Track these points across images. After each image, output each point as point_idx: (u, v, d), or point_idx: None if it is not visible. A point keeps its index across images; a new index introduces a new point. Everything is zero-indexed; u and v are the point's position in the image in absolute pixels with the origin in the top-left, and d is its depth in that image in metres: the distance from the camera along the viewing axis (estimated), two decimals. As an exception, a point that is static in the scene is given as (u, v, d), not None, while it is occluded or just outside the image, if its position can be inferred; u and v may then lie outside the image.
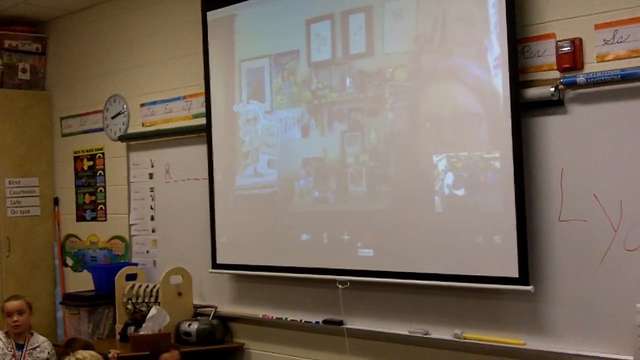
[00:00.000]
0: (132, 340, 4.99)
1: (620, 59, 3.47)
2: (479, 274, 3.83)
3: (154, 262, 5.75)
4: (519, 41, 3.73)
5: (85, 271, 6.34)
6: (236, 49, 4.96)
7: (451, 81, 3.93)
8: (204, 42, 5.14)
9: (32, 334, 4.75)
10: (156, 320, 5.00)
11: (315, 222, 4.53)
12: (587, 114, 3.57)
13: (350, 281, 4.35)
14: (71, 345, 4.49)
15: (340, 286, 4.39)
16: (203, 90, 5.26)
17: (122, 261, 5.95)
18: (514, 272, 3.69)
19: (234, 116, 4.98)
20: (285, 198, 4.69)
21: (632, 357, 3.37)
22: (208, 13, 5.10)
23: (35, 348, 4.69)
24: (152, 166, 5.76)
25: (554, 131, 3.67)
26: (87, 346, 4.45)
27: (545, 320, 3.71)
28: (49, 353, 4.73)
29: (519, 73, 3.72)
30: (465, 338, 3.97)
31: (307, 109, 4.56)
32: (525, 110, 3.70)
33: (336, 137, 4.40)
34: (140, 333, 5.00)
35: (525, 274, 3.65)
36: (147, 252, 5.81)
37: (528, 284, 3.65)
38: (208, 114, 5.14)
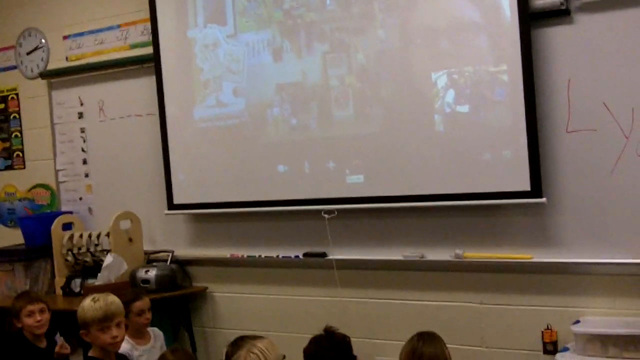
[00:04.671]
0: (88, 292, 4.54)
1: (630, -36, 3.47)
2: (485, 191, 3.77)
3: (90, 209, 5.27)
4: (519, -50, 3.64)
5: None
6: (188, -32, 4.56)
7: (450, -8, 3.80)
8: (146, -37, 4.69)
9: None
10: (112, 268, 4.61)
11: (293, 152, 4.29)
12: (594, 23, 3.55)
13: (338, 210, 4.16)
14: (22, 298, 4.05)
15: (326, 216, 4.19)
16: (142, 18, 4.89)
17: (49, 211, 5.41)
18: (525, 186, 3.65)
19: (188, 43, 4.60)
20: (256, 128, 4.40)
21: (650, 260, 3.45)
22: None
23: None
24: (82, 104, 5.25)
25: (560, 42, 3.62)
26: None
27: (555, 232, 3.71)
28: None
29: (522, -17, 3.64)
30: (466, 257, 3.92)
31: (279, 31, 4.27)
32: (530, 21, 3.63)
33: (316, 60, 4.15)
34: (96, 284, 4.58)
35: (538, 186, 3.62)
36: (80, 199, 5.31)
37: (541, 197, 3.63)
38: (155, 43, 4.71)
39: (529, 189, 3.65)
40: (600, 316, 3.61)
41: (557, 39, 3.63)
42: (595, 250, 3.61)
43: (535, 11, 3.62)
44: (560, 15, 3.60)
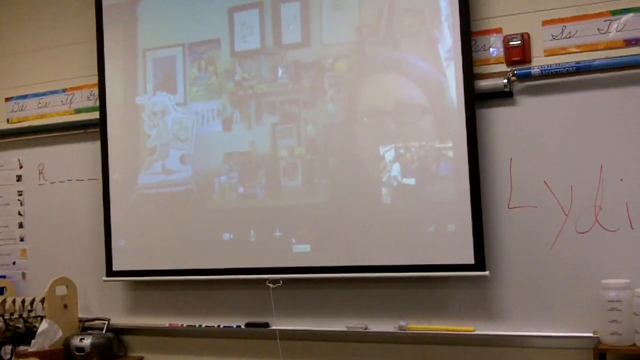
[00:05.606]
0: (20, 358, 4.39)
1: (569, 53, 3.68)
2: (430, 263, 3.84)
3: (23, 274, 5.12)
4: (466, 35, 3.83)
5: None
6: (140, 37, 4.60)
7: (398, 72, 3.93)
8: (97, 30, 4.71)
9: None
10: (47, 335, 4.47)
11: (240, 220, 4.29)
12: (536, 105, 3.74)
13: (284, 279, 4.17)
14: None
15: (271, 285, 4.19)
16: (89, 83, 4.88)
17: (-21, 276, 5.23)
18: (469, 259, 3.75)
19: (136, 109, 4.60)
20: (202, 195, 4.40)
21: (589, 334, 3.55)
22: (104, -3, 4.71)
23: None
24: (21, 167, 5.15)
25: (503, 122, 3.79)
26: None
27: (497, 305, 3.80)
28: None
29: (467, 66, 3.82)
30: (410, 329, 3.96)
31: (229, 101, 4.33)
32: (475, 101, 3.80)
33: (266, 130, 4.22)
34: (29, 350, 4.42)
35: (482, 260, 3.72)
36: (14, 263, 5.16)
37: (485, 270, 3.72)
38: (102, 108, 4.70)
39: (472, 262, 3.74)
40: (541, 389, 3.69)
41: (500, 119, 3.80)
42: (536, 324, 3.71)
43: (480, 92, 3.79)
44: (503, 96, 3.77)
